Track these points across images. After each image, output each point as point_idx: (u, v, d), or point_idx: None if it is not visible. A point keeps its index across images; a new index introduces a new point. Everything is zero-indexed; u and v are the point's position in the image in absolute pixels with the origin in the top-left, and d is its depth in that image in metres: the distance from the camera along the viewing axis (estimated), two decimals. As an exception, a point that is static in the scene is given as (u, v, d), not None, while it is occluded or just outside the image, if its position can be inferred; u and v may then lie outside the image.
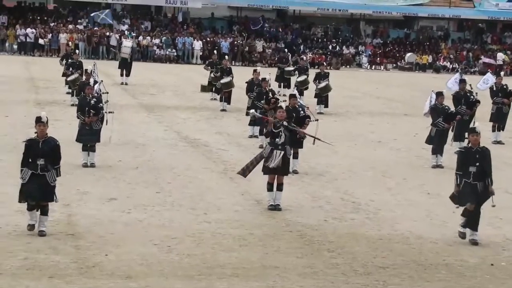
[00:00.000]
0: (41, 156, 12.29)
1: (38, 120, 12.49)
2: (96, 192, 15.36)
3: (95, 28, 54.04)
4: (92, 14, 53.45)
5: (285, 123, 14.71)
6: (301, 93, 29.48)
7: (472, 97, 21.65)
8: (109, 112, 18.63)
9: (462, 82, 22.24)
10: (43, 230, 12.32)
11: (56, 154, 12.47)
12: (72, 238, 12.27)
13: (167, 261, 11.41)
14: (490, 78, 25.29)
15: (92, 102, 17.89)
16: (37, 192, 12.27)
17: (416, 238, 13.18)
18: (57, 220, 13.12)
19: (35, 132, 12.57)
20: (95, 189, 15.60)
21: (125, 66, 36.60)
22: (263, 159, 14.68)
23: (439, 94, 19.71)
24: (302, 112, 17.11)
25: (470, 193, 12.81)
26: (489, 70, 39.17)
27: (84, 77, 23.58)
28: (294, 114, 16.50)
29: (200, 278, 10.74)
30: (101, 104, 18.22)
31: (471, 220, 12.90)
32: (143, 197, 15.11)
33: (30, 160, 12.34)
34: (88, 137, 17.75)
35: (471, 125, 14.70)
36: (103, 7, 59.24)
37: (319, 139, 15.71)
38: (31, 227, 12.34)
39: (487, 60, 58.97)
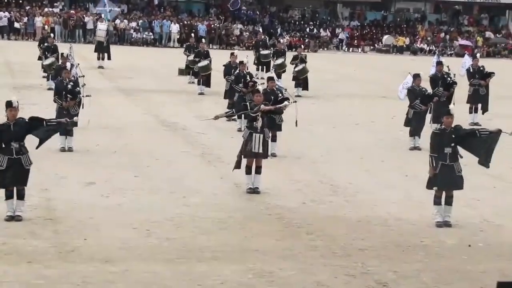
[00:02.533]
0: (14, 138, 12.25)
1: (9, 104, 12.40)
2: (75, 176, 15.30)
3: (71, 11, 53.61)
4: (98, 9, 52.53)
5: (262, 106, 14.71)
6: (279, 76, 29.45)
7: (449, 79, 21.72)
8: (86, 96, 18.55)
9: (439, 64, 22.30)
10: (20, 215, 12.27)
11: (26, 126, 12.38)
12: (50, 223, 12.23)
13: (147, 245, 11.40)
14: (467, 61, 25.39)
15: (69, 86, 17.82)
16: (12, 179, 12.24)
17: (395, 220, 13.25)
18: (36, 205, 13.08)
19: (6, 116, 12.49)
20: (73, 173, 15.54)
21: (101, 50, 36.44)
22: (242, 143, 14.69)
23: (416, 76, 19.78)
24: (280, 94, 17.10)
25: (445, 177, 12.88)
26: (466, 52, 39.25)
27: (60, 61, 23.42)
28: (273, 97, 16.49)
29: (180, 262, 10.75)
30: (78, 88, 18.13)
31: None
32: (122, 181, 15.08)
33: (3, 146, 12.28)
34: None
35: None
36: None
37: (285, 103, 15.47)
38: (9, 217, 12.28)
39: (463, 42, 59.16)
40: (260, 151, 14.55)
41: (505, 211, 13.96)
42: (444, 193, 13.02)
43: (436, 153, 12.99)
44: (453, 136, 12.96)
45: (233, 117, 21.83)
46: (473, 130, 13.30)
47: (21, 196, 12.37)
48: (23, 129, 12.39)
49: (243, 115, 16.07)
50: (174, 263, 10.68)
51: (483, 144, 13.01)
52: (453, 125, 13.03)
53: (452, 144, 12.94)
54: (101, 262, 10.55)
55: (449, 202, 13.01)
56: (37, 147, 12.92)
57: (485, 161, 13.06)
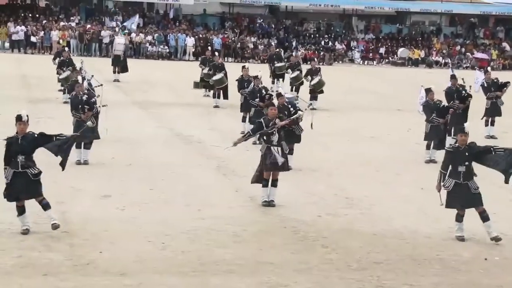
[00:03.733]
0: (21, 152, 12.30)
1: (19, 118, 12.47)
2: (90, 189, 15.34)
3: (87, 25, 53.87)
4: (124, 24, 53.61)
5: (277, 121, 14.69)
6: (296, 89, 29.63)
7: (464, 91, 21.66)
8: (103, 106, 18.59)
9: (453, 77, 22.23)
10: (55, 222, 12.21)
11: (35, 141, 12.39)
12: (66, 236, 12.25)
13: (162, 257, 11.40)
14: (479, 76, 25.30)
15: (84, 98, 17.87)
16: (21, 190, 12.26)
17: (410, 233, 13.20)
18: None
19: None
20: (88, 186, 15.57)
21: (118, 63, 36.56)
22: (262, 158, 14.67)
23: (428, 91, 19.69)
24: (292, 109, 17.04)
25: (461, 197, 12.81)
26: (481, 65, 39.01)
27: (75, 75, 23.48)
28: (286, 112, 16.44)
29: (195, 275, 10.74)
30: (93, 99, 18.17)
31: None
32: (137, 194, 15.09)
33: (12, 159, 12.32)
34: (88, 134, 17.61)
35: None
36: (95, 4, 59.17)
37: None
38: (24, 231, 12.29)
39: (479, 55, 58.99)
40: (281, 162, 14.53)
41: (522, 225, 13.87)
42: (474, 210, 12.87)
43: (446, 170, 12.94)
44: (467, 154, 12.85)
45: (249, 131, 21.85)
46: (488, 147, 13.08)
47: (44, 206, 12.30)
48: (31, 144, 12.42)
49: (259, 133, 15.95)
50: (189, 276, 10.67)
51: (500, 158, 12.87)
52: (467, 142, 12.95)
53: (467, 163, 12.84)
54: (116, 275, 10.56)
55: (483, 217, 12.78)
56: (63, 168, 12.82)
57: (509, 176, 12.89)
